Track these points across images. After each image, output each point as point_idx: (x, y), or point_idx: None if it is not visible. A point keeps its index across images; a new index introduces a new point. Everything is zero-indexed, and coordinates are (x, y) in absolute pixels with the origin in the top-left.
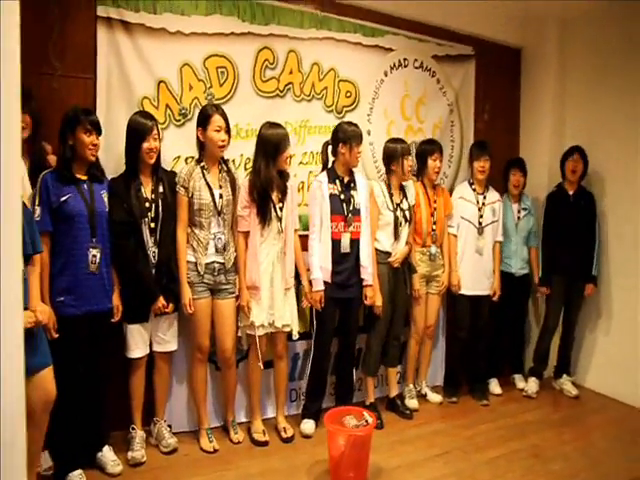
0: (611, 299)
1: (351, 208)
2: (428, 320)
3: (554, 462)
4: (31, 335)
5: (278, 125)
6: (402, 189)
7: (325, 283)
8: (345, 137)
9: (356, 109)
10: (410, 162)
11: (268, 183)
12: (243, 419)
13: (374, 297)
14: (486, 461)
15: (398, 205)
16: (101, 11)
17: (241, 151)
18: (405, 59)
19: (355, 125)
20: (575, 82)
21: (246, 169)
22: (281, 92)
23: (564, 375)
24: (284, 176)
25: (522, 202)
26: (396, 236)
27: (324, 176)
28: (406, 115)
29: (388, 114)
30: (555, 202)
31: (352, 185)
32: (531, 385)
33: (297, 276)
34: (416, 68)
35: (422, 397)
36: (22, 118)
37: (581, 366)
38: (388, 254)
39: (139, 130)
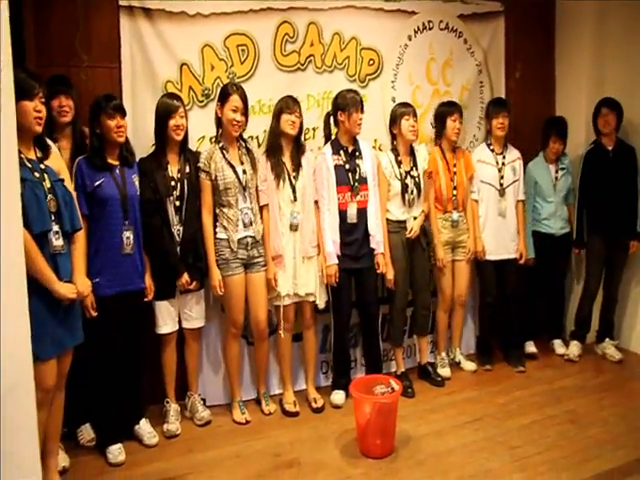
0: None
1: (357, 177)
2: (458, 289)
3: (591, 427)
4: (69, 313)
5: (289, 96)
6: (412, 155)
7: (337, 255)
8: (343, 104)
9: (379, 77)
10: (412, 122)
11: (275, 142)
12: (276, 391)
13: (386, 265)
14: (519, 427)
15: (408, 173)
16: (123, 0)
17: (264, 127)
18: (430, 21)
19: (355, 92)
20: (613, 34)
21: None
22: (302, 65)
23: (607, 339)
24: (299, 149)
25: (560, 162)
26: (405, 203)
27: (328, 148)
28: (432, 79)
29: (413, 79)
30: (593, 159)
31: (357, 154)
32: (573, 349)
33: None
34: (441, 30)
35: (456, 365)
36: (66, 103)
37: (625, 329)
38: (401, 223)
39: (166, 109)
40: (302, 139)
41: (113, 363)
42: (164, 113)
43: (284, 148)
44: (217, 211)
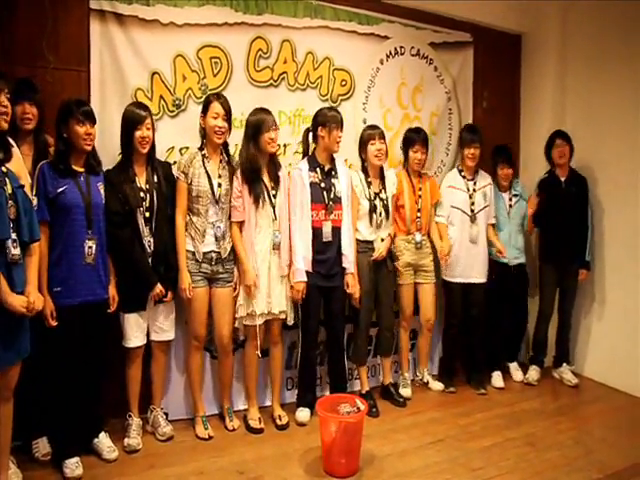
0: (607, 287)
1: (332, 196)
2: (426, 313)
3: (549, 451)
4: (15, 329)
5: (262, 109)
6: (382, 179)
7: (308, 272)
8: (324, 120)
9: (351, 98)
10: (379, 147)
11: (254, 163)
12: (241, 407)
13: (354, 286)
14: (480, 449)
15: (377, 195)
16: (94, 4)
17: (236, 141)
18: (401, 47)
19: (335, 110)
20: (576, 68)
21: None
22: (275, 82)
23: (564, 364)
24: (275, 164)
25: (512, 189)
26: (372, 224)
27: (304, 164)
28: (402, 103)
29: (384, 102)
30: (546, 188)
31: (333, 173)
32: (532, 373)
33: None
34: (413, 56)
35: (425, 385)
36: (30, 110)
37: (579, 355)
38: (368, 243)
39: (132, 119)
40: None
41: (71, 374)
42: (130, 123)
43: (262, 167)
44: (187, 219)
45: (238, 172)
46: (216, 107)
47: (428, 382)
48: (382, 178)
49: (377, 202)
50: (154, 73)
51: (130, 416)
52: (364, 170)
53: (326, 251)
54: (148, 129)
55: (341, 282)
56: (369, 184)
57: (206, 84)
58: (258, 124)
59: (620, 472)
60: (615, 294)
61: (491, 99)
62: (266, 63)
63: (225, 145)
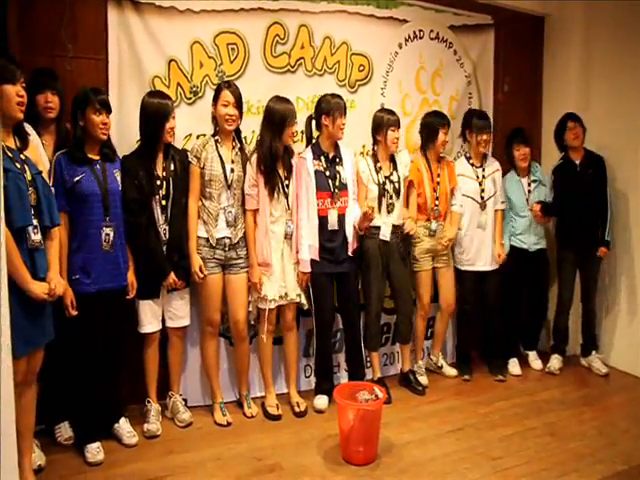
0: (634, 273)
1: (337, 184)
2: (447, 298)
3: (571, 441)
4: (40, 311)
5: (286, 99)
6: (393, 160)
7: (315, 261)
8: (328, 108)
9: (369, 83)
10: (397, 135)
11: (274, 156)
12: (259, 394)
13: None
14: (499, 438)
15: (387, 178)
16: None
17: (253, 127)
18: (420, 30)
19: (339, 97)
20: (600, 51)
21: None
22: (292, 67)
23: (593, 352)
24: (289, 153)
25: (532, 174)
26: (381, 209)
27: (308, 152)
28: (421, 88)
29: (402, 87)
30: (562, 174)
31: (337, 160)
32: (554, 362)
33: None
34: (432, 39)
35: (438, 369)
36: (52, 99)
37: (605, 344)
38: (377, 228)
39: (162, 111)
40: None
41: (93, 361)
42: (159, 115)
43: (279, 157)
44: (199, 204)
45: (254, 160)
46: (226, 95)
47: (442, 366)
48: (393, 160)
49: (387, 186)
50: (171, 60)
51: (149, 402)
52: (374, 153)
53: (333, 239)
54: (174, 118)
55: (351, 268)
56: (379, 169)
57: (223, 71)
58: (284, 117)
59: None
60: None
61: (512, 83)
62: (283, 49)
63: (237, 132)
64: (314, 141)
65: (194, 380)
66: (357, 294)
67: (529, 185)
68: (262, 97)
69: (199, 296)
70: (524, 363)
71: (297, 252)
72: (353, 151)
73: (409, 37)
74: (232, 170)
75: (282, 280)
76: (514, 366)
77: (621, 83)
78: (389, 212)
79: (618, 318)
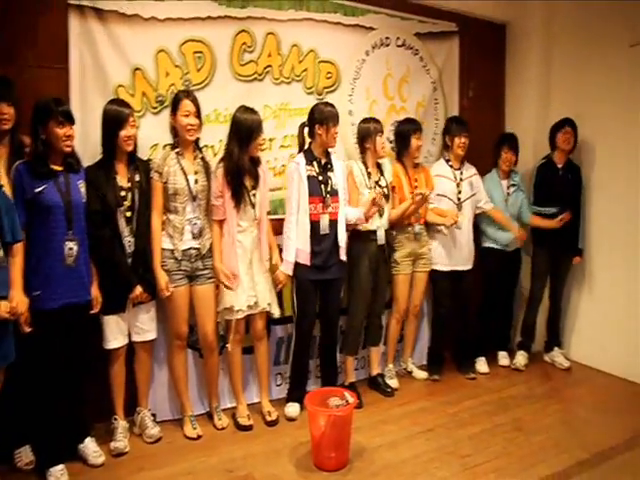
0: (595, 272)
1: (329, 189)
2: (415, 299)
3: (537, 434)
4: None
5: (252, 110)
6: (379, 167)
7: (304, 266)
8: (322, 117)
9: (337, 90)
10: (383, 140)
11: (240, 168)
12: (229, 405)
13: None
14: (469, 436)
15: (377, 183)
16: None
17: (220, 136)
18: (387, 38)
19: (331, 105)
20: (560, 57)
21: None
22: (260, 75)
23: (555, 347)
24: (255, 162)
25: (511, 178)
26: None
27: (301, 157)
28: (389, 94)
29: (370, 94)
30: (545, 174)
31: (329, 167)
32: (519, 358)
33: None
34: (398, 46)
35: (408, 375)
36: (7, 110)
37: (568, 340)
38: (371, 233)
39: (116, 118)
40: None
41: (55, 379)
42: (114, 122)
43: (245, 169)
44: (164, 218)
45: (219, 171)
46: (187, 105)
47: (412, 371)
48: (379, 167)
49: (378, 190)
50: (136, 69)
51: (116, 419)
52: (363, 161)
53: (322, 243)
54: (132, 127)
55: (338, 274)
56: (369, 174)
57: (190, 79)
58: (251, 129)
59: (605, 451)
60: (603, 279)
61: (477, 88)
62: (250, 57)
63: (197, 140)
64: (306, 147)
65: (163, 394)
66: (340, 301)
67: (508, 188)
68: (230, 105)
69: (166, 309)
70: (491, 360)
71: (269, 258)
72: (342, 159)
73: (376, 44)
74: (196, 181)
75: (251, 290)
76: (482, 365)
77: (581, 88)
78: (380, 216)
79: (578, 314)
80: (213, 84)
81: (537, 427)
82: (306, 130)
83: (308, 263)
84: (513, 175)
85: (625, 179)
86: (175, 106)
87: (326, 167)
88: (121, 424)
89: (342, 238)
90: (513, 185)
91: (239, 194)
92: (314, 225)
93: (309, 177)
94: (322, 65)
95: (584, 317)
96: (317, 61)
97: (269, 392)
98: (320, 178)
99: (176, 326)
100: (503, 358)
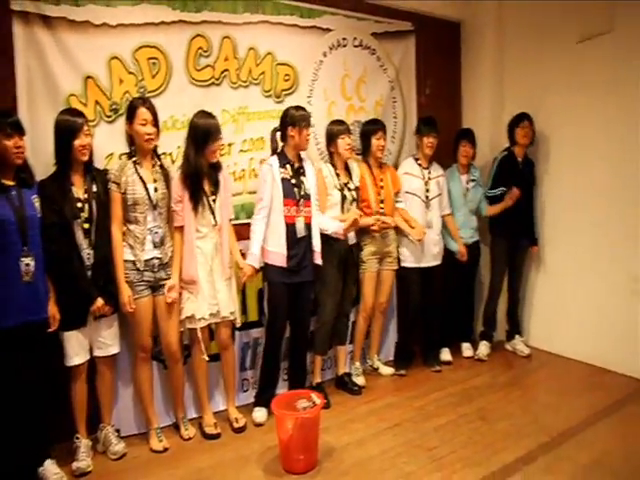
0: (551, 260)
1: (302, 193)
2: (381, 296)
3: (499, 422)
4: None
5: (209, 114)
6: (348, 169)
7: (277, 268)
8: (294, 120)
9: (295, 92)
10: (348, 141)
11: (198, 172)
12: (195, 415)
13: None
14: (434, 428)
15: (345, 185)
16: (15, 5)
17: (178, 143)
18: (344, 38)
19: (303, 109)
20: (513, 54)
21: None
22: (217, 80)
23: (516, 336)
24: (216, 168)
25: (471, 173)
26: (343, 213)
27: (275, 160)
28: (347, 95)
29: (328, 95)
30: (506, 166)
31: (302, 171)
32: (482, 349)
33: None
34: (355, 47)
35: (375, 371)
36: None
37: (528, 327)
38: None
39: (69, 128)
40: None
41: (11, 401)
42: (67, 132)
43: (203, 173)
44: (124, 228)
45: (177, 177)
46: (143, 113)
47: (378, 368)
48: (347, 169)
49: (346, 192)
50: (88, 77)
51: (78, 438)
52: (332, 163)
53: (296, 246)
54: (86, 136)
55: (310, 276)
56: (337, 175)
57: (144, 86)
58: (206, 133)
59: (565, 431)
60: (557, 267)
61: (434, 86)
62: (207, 61)
63: (154, 148)
64: (279, 150)
65: (127, 408)
66: (311, 303)
67: (467, 183)
68: (187, 111)
69: (129, 321)
70: (456, 351)
71: (231, 266)
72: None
73: (333, 45)
74: (155, 189)
75: (213, 298)
76: (446, 354)
77: (533, 84)
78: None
79: (535, 302)
80: (169, 90)
81: (500, 415)
82: (278, 134)
83: (285, 265)
84: (473, 170)
85: (574, 171)
86: (131, 114)
87: (299, 171)
88: (83, 442)
89: (317, 243)
90: (473, 180)
91: (197, 197)
92: (289, 228)
93: (283, 179)
94: (280, 68)
95: (542, 304)
96: (274, 64)
97: (236, 399)
98: (293, 181)
99: (140, 338)
100: (467, 349)
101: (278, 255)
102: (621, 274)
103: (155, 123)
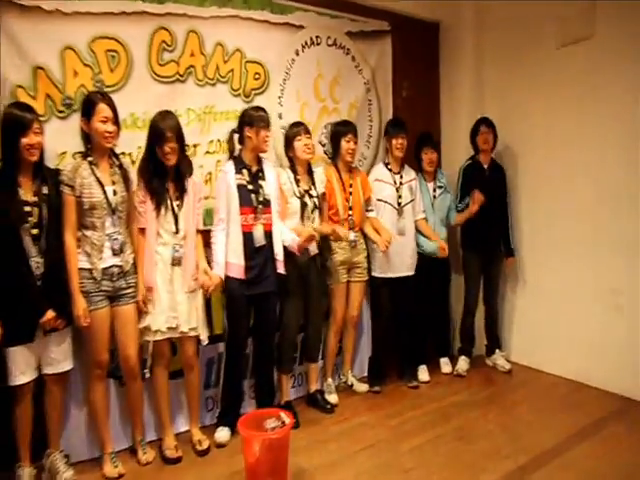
0: (526, 272)
1: (260, 199)
2: (352, 309)
3: (478, 442)
4: None
5: (170, 114)
6: (311, 175)
7: (236, 280)
8: (251, 120)
9: (266, 92)
10: (306, 141)
11: (154, 168)
12: (155, 437)
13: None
14: (411, 449)
15: (306, 192)
16: None
17: (138, 143)
18: (317, 37)
19: (262, 110)
20: (492, 57)
21: None
22: (182, 76)
23: (496, 350)
24: (181, 171)
25: (437, 180)
26: (303, 222)
27: (230, 165)
28: (320, 96)
29: (301, 96)
30: (471, 174)
31: (260, 175)
32: (461, 364)
33: None
34: (329, 46)
35: (349, 388)
36: None
37: (509, 341)
38: None
39: (16, 124)
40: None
41: None
42: (14, 129)
43: (167, 175)
44: (79, 234)
45: (139, 173)
46: (103, 110)
47: (352, 385)
48: (310, 174)
49: (307, 199)
50: (38, 68)
51: (20, 466)
52: (292, 168)
53: (256, 257)
54: (36, 134)
55: (273, 287)
56: (297, 182)
57: (102, 80)
58: (157, 133)
59: (547, 452)
60: (536, 279)
61: (411, 88)
62: (171, 56)
63: (112, 148)
64: (237, 154)
65: (78, 431)
66: (275, 315)
67: (434, 191)
68: (149, 109)
69: (84, 335)
70: (434, 367)
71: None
72: (275, 167)
73: (306, 44)
74: (114, 192)
75: (172, 310)
76: (423, 372)
77: (511, 88)
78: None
79: (516, 315)
80: (129, 86)
81: (479, 434)
82: (236, 137)
83: (243, 277)
84: (439, 176)
85: (555, 181)
86: (88, 110)
87: (257, 175)
88: (26, 471)
89: (279, 251)
90: (440, 187)
91: (159, 198)
92: (247, 237)
93: (239, 186)
94: (249, 65)
95: (522, 318)
96: (244, 61)
97: (199, 419)
98: (250, 187)
99: (96, 353)
100: (445, 365)
101: (235, 266)
102: (603, 288)
103: (115, 120)
